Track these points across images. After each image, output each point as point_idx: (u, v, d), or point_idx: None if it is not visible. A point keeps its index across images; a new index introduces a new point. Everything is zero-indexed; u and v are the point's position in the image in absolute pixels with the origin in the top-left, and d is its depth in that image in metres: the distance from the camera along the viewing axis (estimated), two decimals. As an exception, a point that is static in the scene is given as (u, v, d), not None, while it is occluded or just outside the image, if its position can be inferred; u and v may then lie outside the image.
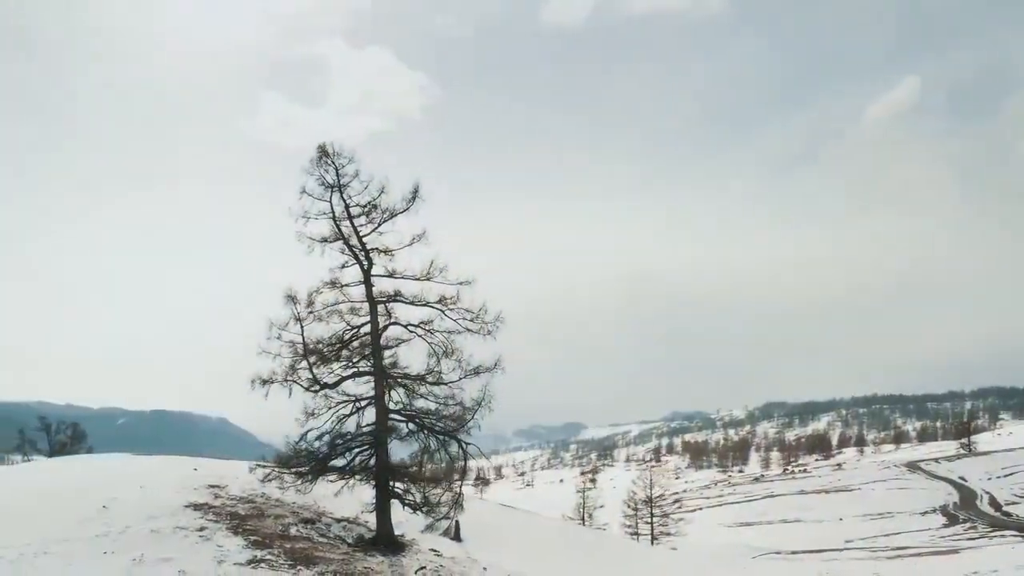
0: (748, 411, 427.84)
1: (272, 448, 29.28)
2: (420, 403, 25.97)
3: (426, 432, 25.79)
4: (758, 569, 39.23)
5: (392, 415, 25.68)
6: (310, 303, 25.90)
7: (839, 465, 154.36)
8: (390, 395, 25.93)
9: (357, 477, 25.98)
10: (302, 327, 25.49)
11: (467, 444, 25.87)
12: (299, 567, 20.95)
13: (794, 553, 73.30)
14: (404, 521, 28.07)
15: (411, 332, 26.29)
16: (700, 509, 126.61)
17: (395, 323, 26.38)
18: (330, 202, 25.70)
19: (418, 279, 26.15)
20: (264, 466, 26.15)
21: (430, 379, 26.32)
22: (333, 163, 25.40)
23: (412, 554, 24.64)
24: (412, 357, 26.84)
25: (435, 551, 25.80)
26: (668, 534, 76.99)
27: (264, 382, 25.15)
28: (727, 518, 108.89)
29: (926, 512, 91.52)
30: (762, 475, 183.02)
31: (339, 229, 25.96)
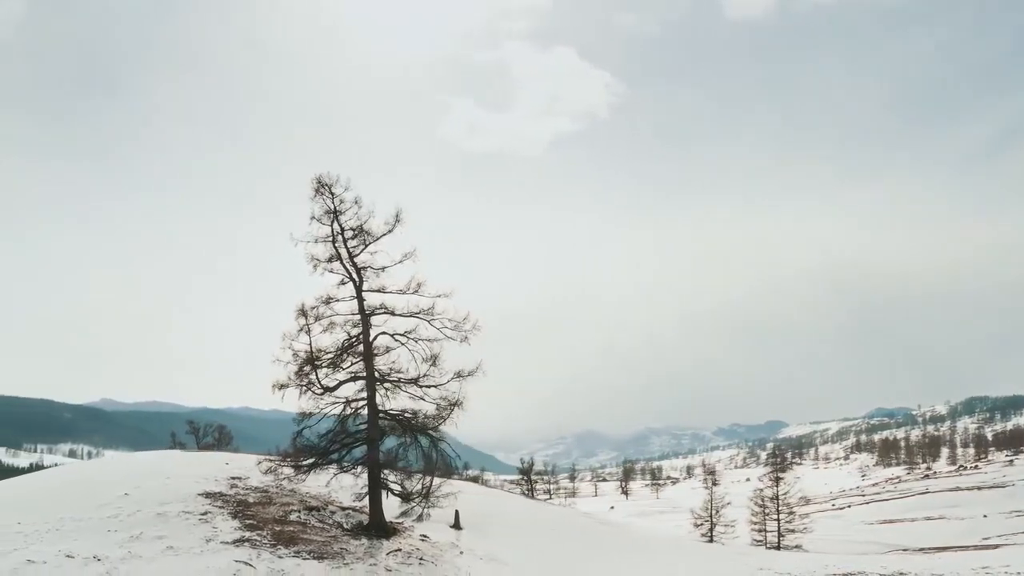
0: (950, 406, 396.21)
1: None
2: (398, 403, 28.91)
3: (404, 428, 28.74)
4: (753, 559, 38.67)
5: (381, 414, 28.79)
6: (317, 316, 29.65)
7: (1011, 461, 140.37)
8: (378, 396, 29.08)
9: (357, 469, 29.40)
10: (310, 337, 29.26)
11: (439, 440, 28.55)
12: (279, 546, 24.43)
13: (921, 550, 69.31)
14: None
15: (397, 341, 29.32)
16: (849, 507, 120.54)
17: (384, 333, 29.47)
18: (330, 227, 29.29)
19: (403, 292, 29.27)
20: (270, 460, 30.07)
21: (422, 382, 29.33)
22: (330, 192, 28.97)
23: (398, 539, 27.43)
24: (404, 362, 30.02)
25: (424, 537, 28.41)
26: (792, 531, 75.44)
27: (281, 386, 29.14)
28: (871, 515, 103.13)
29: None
30: (933, 472, 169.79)
31: (336, 250, 29.49)
